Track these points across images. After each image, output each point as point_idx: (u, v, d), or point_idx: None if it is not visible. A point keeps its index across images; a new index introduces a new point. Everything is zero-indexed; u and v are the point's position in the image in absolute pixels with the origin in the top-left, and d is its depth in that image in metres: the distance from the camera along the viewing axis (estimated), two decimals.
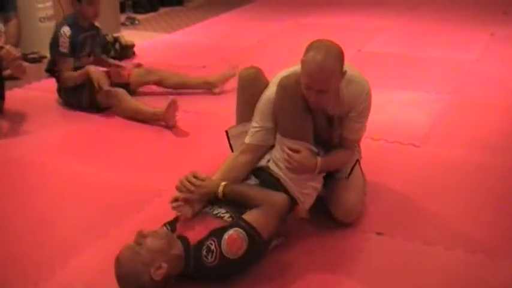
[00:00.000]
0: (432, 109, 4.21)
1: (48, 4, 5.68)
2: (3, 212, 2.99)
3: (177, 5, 8.10)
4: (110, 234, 2.74)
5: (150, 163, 3.50)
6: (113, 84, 4.23)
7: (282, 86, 2.55)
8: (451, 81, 4.78)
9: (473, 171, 3.34)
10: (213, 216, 2.44)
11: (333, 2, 7.90)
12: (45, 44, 4.46)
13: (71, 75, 4.17)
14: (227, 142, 2.93)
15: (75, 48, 4.16)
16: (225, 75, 4.56)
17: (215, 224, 2.37)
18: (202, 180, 2.51)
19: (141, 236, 2.23)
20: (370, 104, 2.66)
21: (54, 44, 4.16)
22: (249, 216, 2.35)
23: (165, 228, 2.45)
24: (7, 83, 4.38)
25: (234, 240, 2.26)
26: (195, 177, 2.52)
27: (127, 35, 6.17)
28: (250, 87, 2.81)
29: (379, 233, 2.75)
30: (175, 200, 2.50)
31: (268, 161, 2.66)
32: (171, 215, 2.53)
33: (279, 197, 2.44)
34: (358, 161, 2.86)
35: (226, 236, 2.26)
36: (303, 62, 2.46)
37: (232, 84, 4.48)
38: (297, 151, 2.53)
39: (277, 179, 2.58)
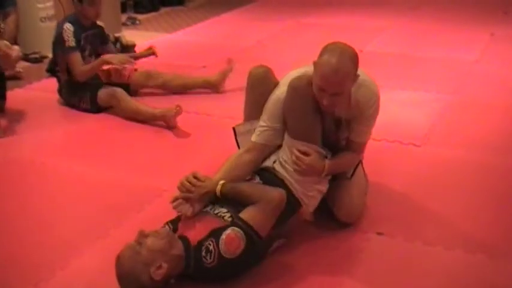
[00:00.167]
0: (432, 109, 4.21)
1: (49, 4, 5.68)
2: (4, 212, 2.99)
3: (178, 5, 8.10)
4: (110, 234, 2.74)
5: (150, 163, 3.50)
6: (113, 84, 4.24)
7: (293, 87, 2.54)
8: (452, 81, 4.79)
9: (473, 171, 3.35)
10: (213, 216, 2.44)
11: (333, 2, 7.90)
12: (46, 44, 4.47)
13: (83, 70, 4.15)
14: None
15: (79, 43, 4.17)
16: (224, 72, 4.56)
17: (215, 223, 2.37)
18: (202, 181, 2.51)
19: (142, 235, 2.23)
20: (378, 108, 2.65)
21: (59, 41, 4.15)
22: (246, 214, 2.35)
23: (166, 227, 2.45)
24: (8, 83, 4.38)
25: (231, 239, 2.26)
26: (195, 177, 2.51)
27: (128, 35, 6.17)
28: (260, 86, 2.80)
29: (379, 233, 2.75)
30: (176, 199, 2.50)
31: (274, 161, 2.66)
32: (172, 215, 2.53)
33: (276, 193, 2.43)
34: (360, 161, 2.86)
35: (224, 235, 2.26)
36: (317, 65, 2.44)
37: (233, 83, 4.50)
38: (306, 154, 2.52)
39: (282, 181, 2.58)
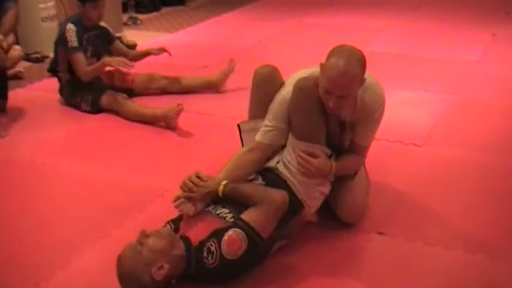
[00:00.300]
0: (433, 109, 4.21)
1: (50, 4, 5.68)
2: (4, 211, 2.99)
3: (179, 5, 8.11)
4: (111, 234, 2.75)
5: (152, 163, 3.50)
6: (116, 88, 4.27)
7: (299, 88, 2.54)
8: (453, 82, 4.79)
9: (474, 171, 3.35)
10: (215, 216, 2.44)
11: (334, 2, 7.90)
12: (48, 44, 4.47)
13: (87, 70, 4.16)
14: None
15: (82, 43, 4.18)
16: (225, 72, 4.57)
17: (217, 224, 2.37)
18: (205, 180, 2.51)
19: (143, 235, 2.23)
20: (383, 112, 2.65)
21: (62, 41, 4.16)
22: (248, 215, 2.34)
23: (168, 227, 2.45)
24: (9, 83, 4.37)
25: (233, 240, 2.26)
26: (197, 177, 2.52)
27: (129, 35, 6.18)
28: (266, 85, 2.79)
29: (380, 233, 2.75)
30: (178, 198, 2.51)
31: (278, 162, 2.65)
32: (173, 215, 2.52)
33: (278, 195, 2.42)
34: (362, 162, 2.86)
35: (225, 236, 2.26)
36: (324, 67, 2.43)
37: (234, 83, 4.50)
38: (313, 155, 2.51)
39: (285, 181, 2.57)
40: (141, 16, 7.38)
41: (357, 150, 2.71)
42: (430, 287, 2.41)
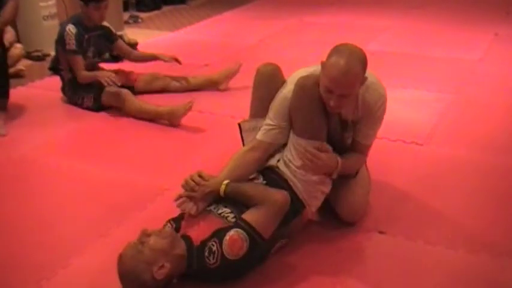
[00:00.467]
0: (435, 108, 4.21)
1: (51, 2, 5.69)
2: (6, 210, 2.99)
3: (180, 3, 8.12)
4: (112, 233, 2.75)
5: (153, 161, 3.50)
6: (119, 86, 4.25)
7: (300, 86, 2.53)
8: (454, 81, 4.78)
9: (475, 170, 3.34)
10: (217, 215, 2.44)
11: (335, 1, 7.90)
12: (49, 42, 4.47)
13: (84, 75, 4.18)
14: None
15: (81, 45, 4.17)
16: (229, 71, 4.57)
17: (219, 224, 2.37)
18: (207, 180, 2.51)
19: (144, 234, 2.23)
20: (385, 111, 2.65)
21: (61, 42, 4.17)
22: (249, 215, 2.34)
23: (169, 226, 2.45)
24: (11, 81, 4.37)
25: (234, 241, 2.26)
26: (199, 176, 2.52)
27: (130, 33, 6.18)
28: (268, 83, 2.78)
29: (381, 232, 2.75)
30: (180, 197, 2.51)
31: (278, 160, 2.65)
32: (174, 214, 2.52)
33: (280, 195, 2.42)
34: (364, 161, 2.86)
35: (227, 237, 2.26)
36: (325, 65, 2.42)
37: (236, 82, 4.50)
38: (322, 150, 2.52)
39: (286, 181, 2.57)
40: (142, 14, 7.38)
41: (359, 149, 2.70)
42: (431, 285, 2.41)
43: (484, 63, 5.23)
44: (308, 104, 2.52)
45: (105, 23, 4.37)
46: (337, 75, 2.36)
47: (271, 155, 2.69)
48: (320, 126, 2.56)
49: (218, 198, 2.51)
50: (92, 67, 4.34)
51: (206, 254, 2.25)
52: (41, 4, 5.57)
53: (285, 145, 2.65)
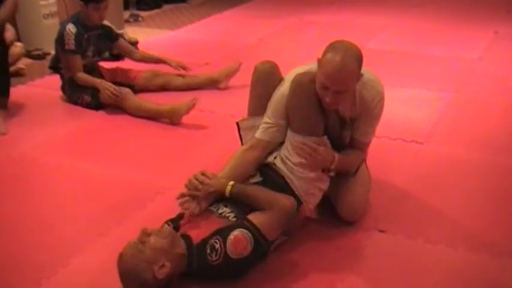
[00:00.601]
0: (435, 107, 4.21)
1: (52, 1, 5.69)
2: (6, 209, 2.99)
3: (180, 2, 8.12)
4: (112, 232, 2.75)
5: (153, 160, 3.50)
6: (118, 83, 4.26)
7: (297, 83, 2.54)
8: (454, 79, 4.78)
9: (475, 169, 3.34)
10: (217, 215, 2.44)
11: (335, 0, 7.89)
12: (49, 41, 4.47)
13: (81, 77, 4.19)
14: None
15: (81, 44, 4.17)
16: (229, 70, 4.57)
17: (219, 223, 2.37)
18: (210, 178, 2.51)
19: (145, 234, 2.23)
20: (383, 108, 2.65)
21: (60, 42, 4.16)
22: (255, 217, 2.35)
23: (167, 226, 2.44)
24: (11, 80, 4.37)
25: (239, 240, 2.26)
26: (203, 175, 2.52)
27: (130, 32, 6.19)
28: (265, 81, 2.78)
29: (381, 231, 2.75)
30: (182, 196, 2.51)
31: (275, 157, 2.65)
32: (174, 213, 2.52)
33: (287, 202, 2.42)
34: (364, 159, 2.86)
35: (231, 236, 2.26)
36: (321, 62, 2.43)
37: (236, 81, 4.50)
38: (323, 144, 2.53)
39: (282, 177, 2.58)
40: (142, 13, 7.38)
41: (358, 146, 2.71)
42: (430, 284, 2.41)
43: (484, 62, 5.23)
44: (305, 100, 2.52)
45: (105, 22, 4.37)
46: (332, 71, 2.36)
47: (270, 153, 2.69)
48: (317, 123, 2.56)
49: (219, 197, 2.51)
50: (92, 66, 4.34)
51: (208, 251, 2.25)
52: (41, 3, 5.57)
53: (282, 142, 2.66)
